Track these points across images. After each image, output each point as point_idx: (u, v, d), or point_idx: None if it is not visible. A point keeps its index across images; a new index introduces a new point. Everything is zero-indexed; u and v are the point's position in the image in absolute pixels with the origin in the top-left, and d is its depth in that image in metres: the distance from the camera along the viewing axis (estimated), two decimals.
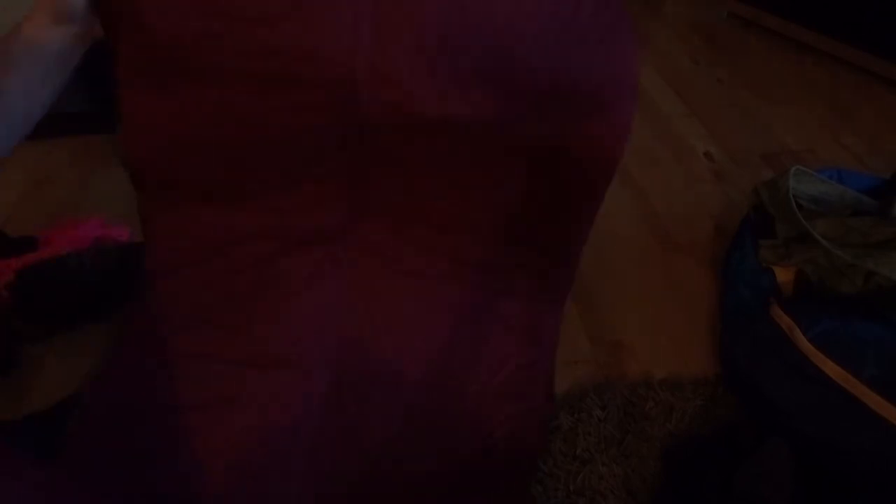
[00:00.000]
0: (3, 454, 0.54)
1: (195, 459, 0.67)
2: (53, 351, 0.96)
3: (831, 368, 0.75)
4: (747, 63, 1.76)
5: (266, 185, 0.72)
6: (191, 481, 0.66)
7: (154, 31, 0.64)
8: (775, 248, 0.94)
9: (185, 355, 0.73)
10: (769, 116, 1.51)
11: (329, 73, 0.64)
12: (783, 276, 0.91)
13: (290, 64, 0.63)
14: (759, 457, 0.72)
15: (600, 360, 0.94)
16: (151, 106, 0.68)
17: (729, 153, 1.39)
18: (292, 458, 0.69)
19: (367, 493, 0.71)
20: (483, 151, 0.75)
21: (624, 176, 1.33)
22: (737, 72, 1.71)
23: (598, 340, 0.97)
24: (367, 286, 0.79)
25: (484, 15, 0.64)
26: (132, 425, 0.70)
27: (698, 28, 1.98)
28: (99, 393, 0.72)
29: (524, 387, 0.83)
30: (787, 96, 1.60)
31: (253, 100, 0.65)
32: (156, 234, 0.73)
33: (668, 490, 0.77)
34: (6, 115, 0.63)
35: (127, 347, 0.75)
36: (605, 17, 0.69)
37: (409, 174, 0.75)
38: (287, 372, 0.73)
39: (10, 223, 1.22)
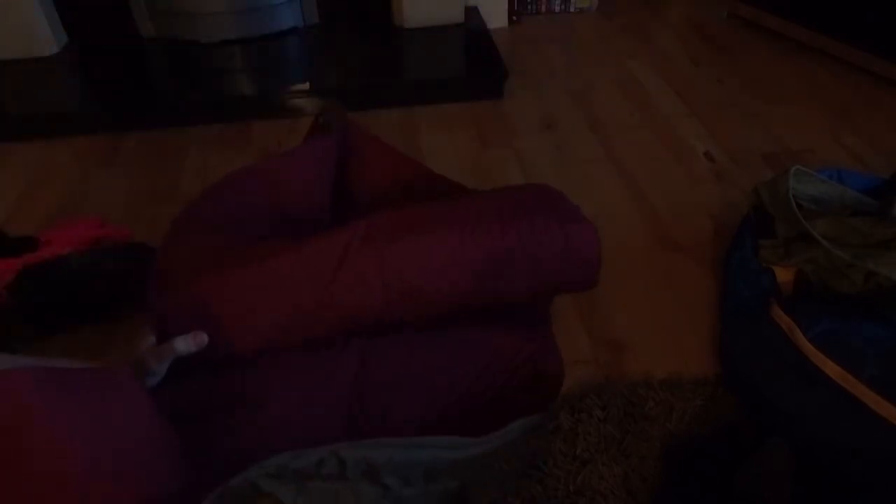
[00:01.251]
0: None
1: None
2: (53, 351, 0.96)
3: (831, 368, 0.75)
4: (747, 63, 1.76)
5: None
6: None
7: None
8: (775, 248, 0.94)
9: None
10: (769, 116, 1.51)
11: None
12: (783, 276, 0.91)
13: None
14: (759, 457, 0.72)
15: (600, 360, 0.94)
16: None
17: (729, 153, 1.39)
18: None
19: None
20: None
21: (624, 176, 1.33)
22: (737, 72, 1.71)
23: (598, 340, 0.97)
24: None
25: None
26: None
27: (698, 28, 1.98)
28: None
29: (536, 379, 0.84)
30: (787, 96, 1.60)
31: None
32: None
33: (668, 490, 0.77)
34: None
35: None
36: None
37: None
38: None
39: (10, 223, 1.22)
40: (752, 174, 1.31)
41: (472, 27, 1.88)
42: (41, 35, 1.72)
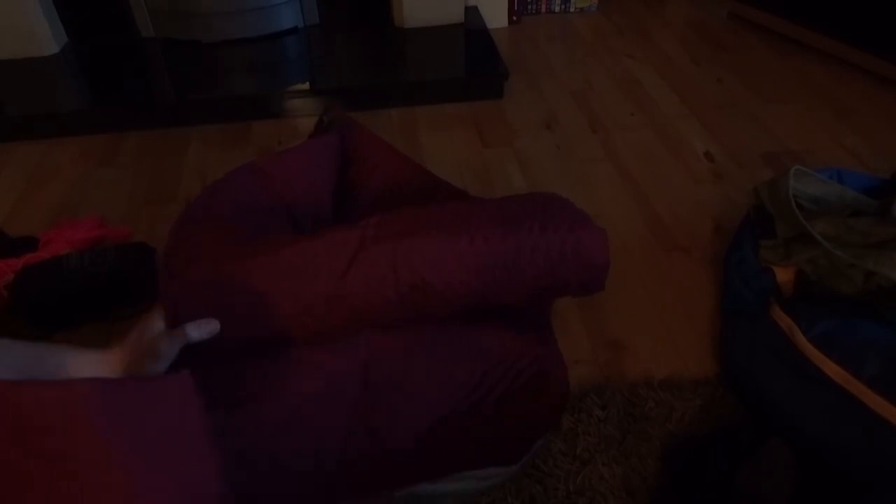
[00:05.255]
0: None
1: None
2: None
3: (831, 368, 0.75)
4: (747, 63, 1.76)
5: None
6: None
7: None
8: (775, 248, 0.94)
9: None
10: (769, 116, 1.51)
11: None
12: (783, 276, 0.91)
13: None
14: (759, 457, 0.72)
15: (600, 360, 0.94)
16: None
17: (729, 153, 1.39)
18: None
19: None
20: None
21: (624, 176, 1.33)
22: (737, 72, 1.71)
23: (598, 340, 0.97)
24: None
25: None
26: None
27: (698, 28, 1.98)
28: None
29: (541, 381, 0.84)
30: (787, 96, 1.60)
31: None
32: None
33: (668, 490, 0.77)
34: None
35: None
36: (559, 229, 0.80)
37: None
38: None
39: (10, 223, 1.22)
40: (752, 174, 1.31)
41: (472, 27, 1.88)
42: (41, 35, 1.72)
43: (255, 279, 0.77)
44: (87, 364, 0.68)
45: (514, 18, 2.04)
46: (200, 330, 0.70)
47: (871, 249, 0.86)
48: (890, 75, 1.59)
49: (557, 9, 2.12)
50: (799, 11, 1.77)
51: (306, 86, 1.64)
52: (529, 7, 2.10)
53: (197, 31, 1.78)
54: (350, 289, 0.76)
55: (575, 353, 0.94)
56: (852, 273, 0.85)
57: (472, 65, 1.75)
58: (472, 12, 1.93)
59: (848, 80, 1.65)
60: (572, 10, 2.13)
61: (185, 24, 1.79)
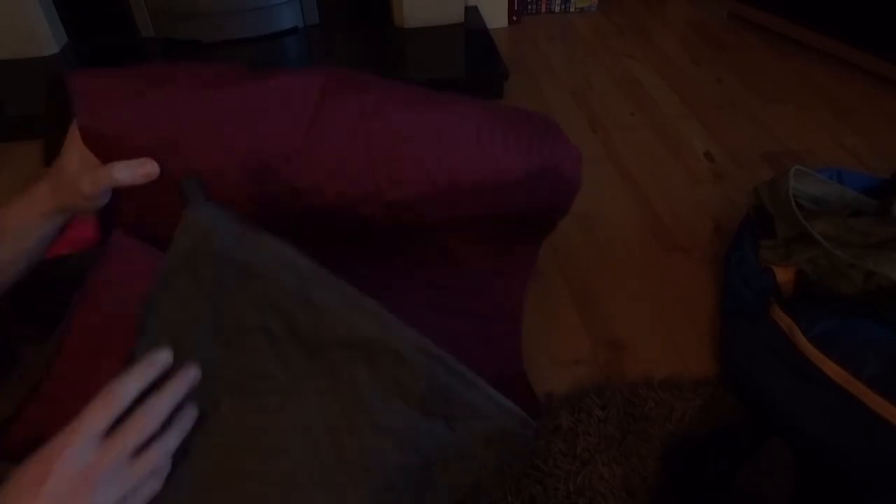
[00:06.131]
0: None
1: None
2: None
3: (831, 368, 0.75)
4: (747, 63, 1.76)
5: None
6: None
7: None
8: (775, 248, 0.94)
9: None
10: (769, 116, 1.51)
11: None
12: (783, 276, 0.91)
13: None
14: (759, 457, 0.72)
15: (600, 360, 0.94)
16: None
17: (729, 153, 1.39)
18: None
19: None
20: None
21: (624, 176, 1.33)
22: (737, 72, 1.71)
23: (598, 340, 0.97)
24: None
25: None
26: None
27: (698, 28, 1.98)
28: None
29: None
30: (787, 96, 1.60)
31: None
32: None
33: (667, 490, 0.77)
34: None
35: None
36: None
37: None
38: None
39: None
40: (752, 174, 1.31)
41: (472, 27, 1.88)
42: (41, 35, 1.72)
43: (200, 114, 0.63)
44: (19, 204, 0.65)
45: (514, 18, 2.04)
46: (132, 171, 0.57)
47: (871, 249, 0.86)
48: (890, 75, 1.59)
49: (557, 9, 2.12)
50: (799, 11, 1.77)
51: None
52: (529, 7, 2.10)
53: (197, 31, 1.78)
54: (315, 142, 0.66)
55: (575, 353, 0.94)
56: (852, 273, 0.85)
57: (472, 65, 1.75)
58: (472, 12, 1.93)
59: (848, 80, 1.65)
60: (572, 10, 2.13)
61: (185, 24, 1.79)
